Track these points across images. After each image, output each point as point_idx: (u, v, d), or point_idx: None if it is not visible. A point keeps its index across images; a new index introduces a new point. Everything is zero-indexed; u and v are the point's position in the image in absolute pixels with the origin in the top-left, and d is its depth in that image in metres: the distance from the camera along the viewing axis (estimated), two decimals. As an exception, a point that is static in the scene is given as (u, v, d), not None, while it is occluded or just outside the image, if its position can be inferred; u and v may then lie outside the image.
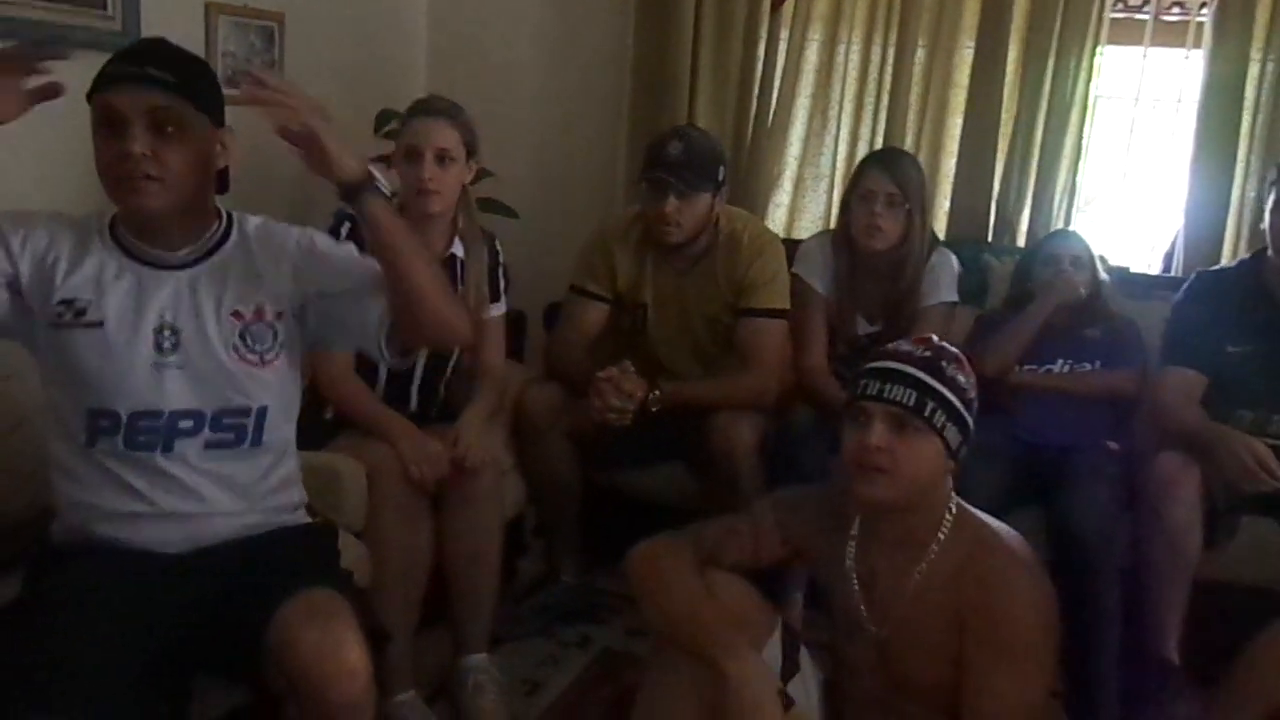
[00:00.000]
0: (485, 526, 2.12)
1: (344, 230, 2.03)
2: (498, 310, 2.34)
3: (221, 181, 1.53)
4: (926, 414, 1.43)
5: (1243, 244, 2.71)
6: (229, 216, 1.57)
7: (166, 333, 1.48)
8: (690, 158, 2.31)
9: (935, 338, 1.53)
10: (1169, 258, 2.87)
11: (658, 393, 2.28)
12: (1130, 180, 2.99)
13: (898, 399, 1.44)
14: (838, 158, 3.05)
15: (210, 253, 1.53)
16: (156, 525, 1.49)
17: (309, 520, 1.69)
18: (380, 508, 1.99)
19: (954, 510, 1.51)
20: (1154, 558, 2.05)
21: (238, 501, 1.54)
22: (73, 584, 1.44)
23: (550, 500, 2.48)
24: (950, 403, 1.45)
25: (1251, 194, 2.69)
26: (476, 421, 2.17)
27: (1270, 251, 2.20)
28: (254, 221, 1.59)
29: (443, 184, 2.13)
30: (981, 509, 1.55)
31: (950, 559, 1.46)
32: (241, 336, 1.51)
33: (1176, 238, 2.82)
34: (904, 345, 1.52)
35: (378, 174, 1.56)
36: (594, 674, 2.29)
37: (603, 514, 2.52)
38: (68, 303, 1.46)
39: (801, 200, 3.11)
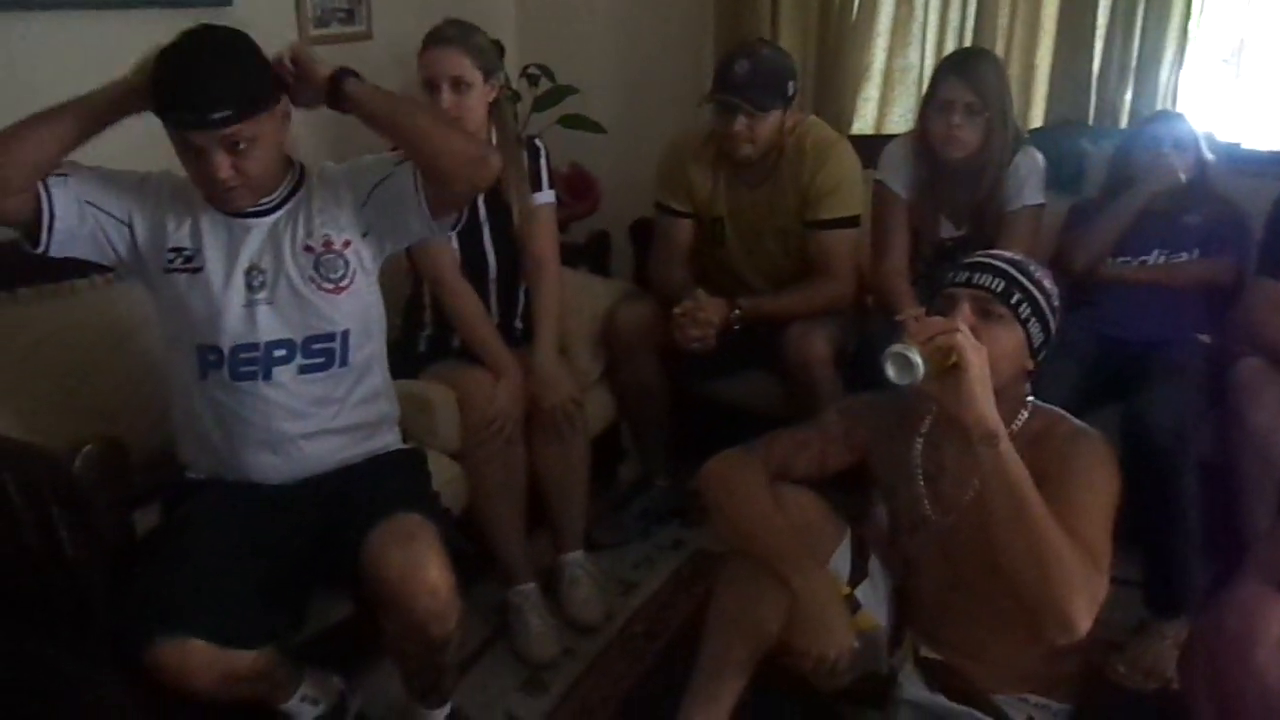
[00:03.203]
0: (572, 447, 2.26)
1: None
2: (544, 199, 2.35)
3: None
4: (1013, 302, 1.48)
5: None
6: (300, 167, 1.74)
7: (255, 273, 1.67)
8: (756, 77, 2.29)
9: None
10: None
11: (738, 311, 2.35)
12: (1248, 47, 2.78)
13: (985, 285, 1.48)
14: (926, 46, 2.94)
15: (286, 199, 1.71)
16: (263, 452, 1.70)
17: (401, 446, 1.87)
18: (474, 433, 2.13)
19: (1029, 407, 1.54)
20: (1240, 462, 2.00)
21: (332, 415, 1.73)
22: (199, 514, 1.66)
23: (640, 411, 2.58)
24: (1036, 299, 1.49)
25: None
26: (551, 354, 2.27)
27: None
28: (318, 167, 1.76)
29: (463, 109, 2.18)
30: (1057, 405, 1.56)
31: (1022, 442, 1.46)
32: (316, 268, 1.69)
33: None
34: (991, 252, 1.57)
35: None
36: (686, 574, 2.41)
37: (692, 419, 2.61)
38: (177, 250, 1.67)
39: (891, 94, 3.02)
